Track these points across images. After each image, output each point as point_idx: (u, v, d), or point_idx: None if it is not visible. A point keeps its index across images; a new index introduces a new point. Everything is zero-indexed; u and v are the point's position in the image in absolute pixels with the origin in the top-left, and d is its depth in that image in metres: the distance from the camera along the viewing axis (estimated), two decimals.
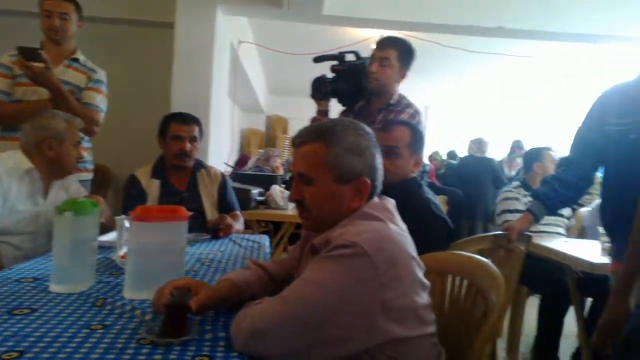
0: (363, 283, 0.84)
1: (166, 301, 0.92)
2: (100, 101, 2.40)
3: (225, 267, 1.51)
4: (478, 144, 5.67)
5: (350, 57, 2.12)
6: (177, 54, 3.31)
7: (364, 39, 4.78)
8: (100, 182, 3.15)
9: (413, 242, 1.01)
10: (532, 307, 2.76)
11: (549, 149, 3.27)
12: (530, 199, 2.95)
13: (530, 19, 3.65)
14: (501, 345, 2.63)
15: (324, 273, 0.86)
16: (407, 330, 0.87)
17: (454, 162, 6.41)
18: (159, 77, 3.43)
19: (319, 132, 1.01)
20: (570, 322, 2.51)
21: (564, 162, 1.90)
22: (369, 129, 1.06)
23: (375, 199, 1.04)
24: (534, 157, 3.13)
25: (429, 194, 1.72)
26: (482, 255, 1.16)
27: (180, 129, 2.18)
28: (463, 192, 4.92)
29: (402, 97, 2.10)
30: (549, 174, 3.00)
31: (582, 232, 3.16)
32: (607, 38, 3.77)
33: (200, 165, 2.33)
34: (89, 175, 2.52)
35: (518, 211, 2.92)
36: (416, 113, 2.05)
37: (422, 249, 1.23)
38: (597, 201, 2.89)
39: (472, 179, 5.07)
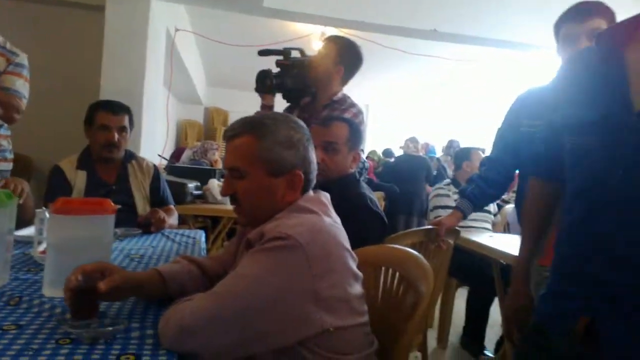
0: (296, 274, 0.85)
1: (72, 285, 0.88)
2: (21, 86, 2.21)
3: (156, 263, 1.45)
4: (414, 142, 5.90)
5: (295, 54, 2.12)
6: (107, 38, 3.12)
7: (305, 35, 4.79)
8: (21, 172, 2.90)
9: (349, 235, 1.03)
10: (461, 298, 2.91)
11: (478, 149, 3.46)
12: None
13: (463, 23, 3.83)
14: (432, 335, 2.75)
15: (256, 266, 0.86)
16: (339, 320, 0.88)
17: (390, 160, 6.62)
18: (88, 62, 3.22)
19: (250, 125, 1.01)
20: (496, 312, 2.67)
21: (486, 161, 2.03)
22: (302, 123, 1.06)
23: (310, 193, 1.05)
24: (463, 156, 3.30)
25: (366, 189, 1.76)
26: (414, 249, 1.20)
27: (107, 118, 2.06)
28: (399, 189, 5.08)
29: (346, 97, 2.14)
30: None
31: (507, 228, 3.38)
32: (528, 46, 4.04)
33: (131, 156, 2.22)
34: (8, 165, 2.32)
35: (449, 207, 3.06)
36: (359, 112, 2.08)
37: (357, 243, 1.26)
38: None
39: (407, 177, 5.25)
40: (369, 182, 4.73)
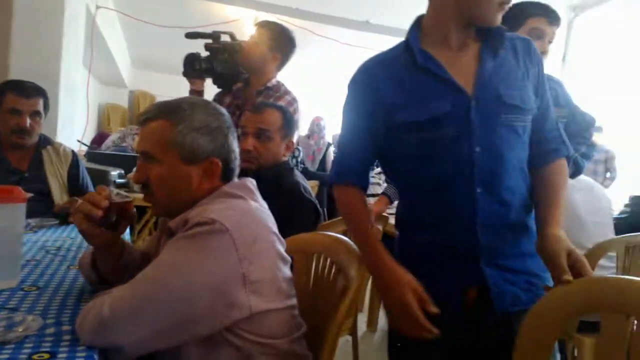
0: (223, 259, 0.83)
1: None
2: None
3: (75, 256, 1.36)
4: None
5: (225, 38, 2.06)
6: (16, 12, 2.84)
7: (236, 19, 4.67)
8: None
9: (282, 223, 1.03)
10: None
11: None
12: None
13: (395, 16, 3.93)
14: (362, 319, 2.84)
15: (180, 253, 0.84)
16: (267, 302, 0.89)
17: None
18: None
19: (165, 109, 0.97)
20: None
21: None
22: (223, 110, 1.03)
23: (235, 179, 1.03)
24: None
25: (299, 177, 1.76)
26: (345, 236, 1.23)
27: (18, 101, 1.88)
28: None
29: (281, 84, 2.11)
30: None
31: None
32: None
33: (46, 141, 2.05)
34: None
35: (378, 194, 3.17)
36: (294, 100, 2.07)
37: (291, 230, 1.27)
38: None
39: None
40: (305, 171, 4.75)
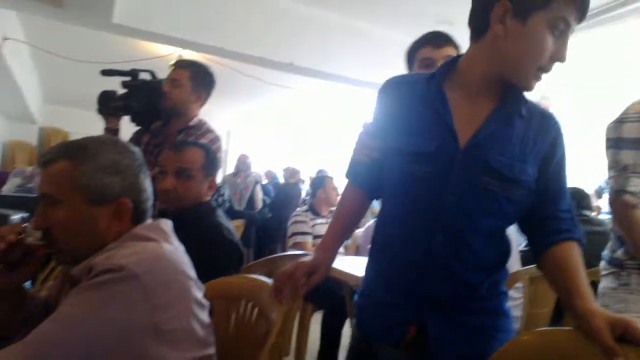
0: (132, 309, 0.78)
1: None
2: None
3: None
4: (289, 172, 6.06)
5: (145, 76, 2.01)
6: None
7: (163, 55, 4.59)
8: None
9: (203, 266, 0.99)
10: (317, 323, 2.98)
11: (332, 177, 3.66)
12: (317, 221, 3.25)
13: (319, 58, 4.07)
14: None
15: (83, 305, 0.77)
16: (183, 352, 0.83)
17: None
18: None
19: (68, 149, 0.91)
20: (347, 335, 2.79)
21: None
22: (134, 148, 0.99)
23: (149, 221, 0.98)
24: (318, 184, 3.46)
25: (222, 218, 1.72)
26: (270, 277, 1.20)
27: None
28: (276, 216, 5.13)
29: (203, 122, 2.09)
30: (331, 199, 3.35)
31: (357, 250, 3.60)
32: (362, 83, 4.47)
33: None
34: None
35: (306, 233, 3.16)
36: (216, 139, 2.05)
37: (211, 273, 1.22)
38: (370, 222, 3.34)
39: (283, 204, 5.35)
40: (230, 210, 4.65)
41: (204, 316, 0.93)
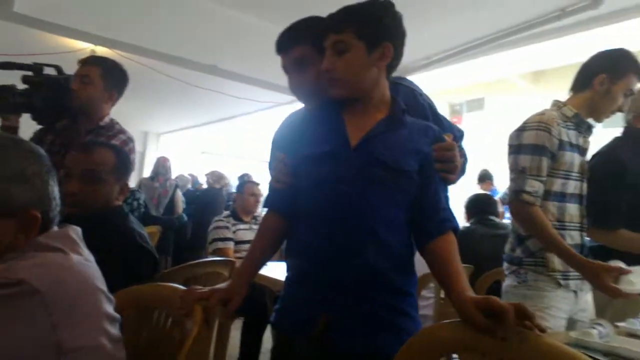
0: (30, 326, 0.70)
1: None
2: None
3: None
4: (214, 176, 5.84)
5: (50, 71, 1.86)
6: None
7: (73, 50, 4.27)
8: None
9: (114, 274, 0.93)
10: (237, 330, 2.92)
11: (255, 183, 3.63)
12: (239, 227, 3.20)
13: (243, 61, 4.02)
14: None
15: None
16: None
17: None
18: None
19: None
20: (268, 340, 2.76)
21: None
22: (40, 151, 0.89)
23: (55, 228, 0.90)
24: (237, 189, 3.44)
25: (134, 224, 1.63)
26: (187, 284, 1.16)
27: None
28: (200, 222, 4.95)
29: (115, 122, 1.97)
30: (248, 205, 3.34)
31: (281, 255, 3.59)
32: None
33: None
34: None
35: (227, 239, 3.10)
36: (130, 140, 1.94)
37: (123, 282, 1.15)
38: None
39: (207, 209, 5.16)
40: (146, 215, 4.42)
41: (115, 330, 0.87)
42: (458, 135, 1.27)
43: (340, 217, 1.03)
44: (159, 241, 3.94)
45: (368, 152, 1.05)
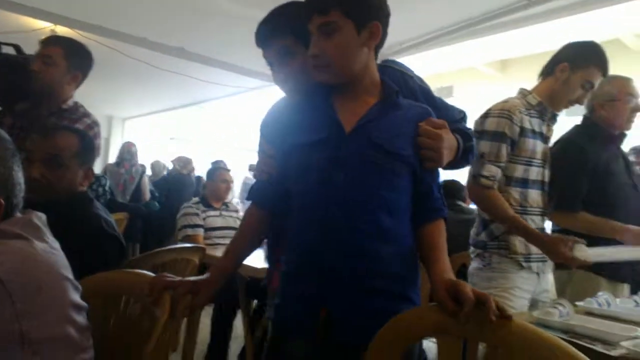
0: None
1: None
2: None
3: None
4: (181, 162, 5.69)
5: (8, 50, 1.77)
6: None
7: (33, 29, 4.06)
8: None
9: (80, 261, 0.91)
10: (207, 317, 2.90)
11: (226, 169, 3.58)
12: (208, 213, 3.16)
13: (211, 44, 3.91)
14: (176, 358, 2.65)
15: None
16: None
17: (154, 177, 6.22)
18: None
19: None
20: (239, 326, 2.76)
21: None
22: (4, 134, 0.85)
23: (17, 214, 0.86)
24: (208, 175, 3.38)
25: (100, 210, 1.59)
26: (156, 270, 1.14)
27: None
28: (167, 208, 4.84)
29: (79, 106, 1.90)
30: (219, 192, 3.31)
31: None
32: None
33: None
34: None
35: (197, 226, 3.06)
36: (94, 124, 1.88)
37: (90, 270, 1.12)
38: None
39: (174, 196, 5.04)
40: (112, 202, 4.31)
41: (81, 319, 0.85)
42: (458, 117, 1.23)
43: (338, 204, 0.99)
44: (126, 228, 3.85)
45: (363, 136, 1.02)
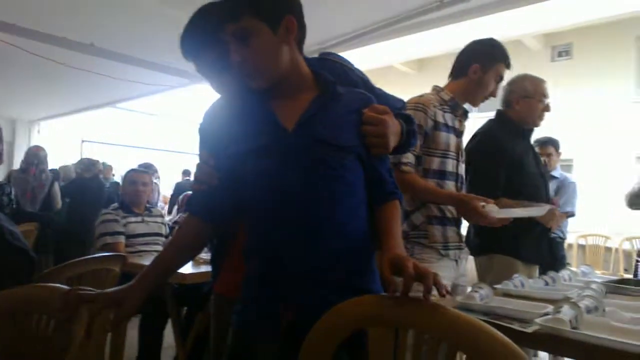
0: None
1: None
2: None
3: None
4: (82, 165, 5.19)
5: None
6: None
7: None
8: None
9: None
10: (134, 329, 2.75)
11: (140, 170, 3.41)
12: (130, 220, 2.98)
13: (121, 40, 3.67)
14: None
15: None
16: None
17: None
18: None
19: None
20: (169, 335, 2.65)
21: None
22: None
23: None
24: (124, 179, 3.24)
25: (4, 220, 1.44)
26: (70, 283, 1.05)
27: None
28: (77, 216, 4.44)
29: None
30: (137, 194, 3.18)
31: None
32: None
33: None
34: None
35: (117, 233, 2.87)
36: None
37: None
38: None
39: (81, 202, 4.63)
40: (18, 211, 3.93)
41: None
42: (398, 106, 1.24)
43: (290, 205, 0.99)
44: (37, 239, 3.54)
45: (306, 135, 1.01)
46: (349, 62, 1.28)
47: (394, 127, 1.08)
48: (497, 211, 1.60)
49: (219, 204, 1.08)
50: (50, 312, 0.99)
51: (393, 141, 1.08)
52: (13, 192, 3.83)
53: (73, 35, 3.56)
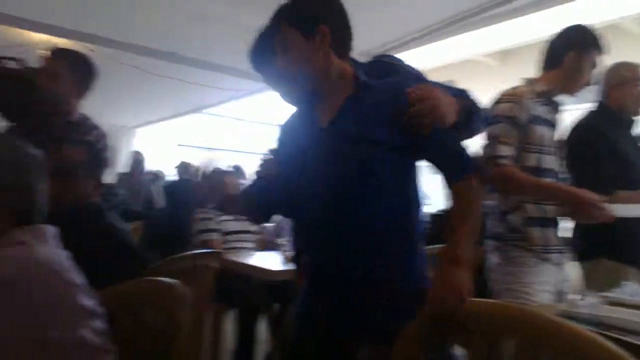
0: (5, 318, 0.71)
1: None
2: None
3: None
4: (182, 167, 5.64)
5: (10, 65, 1.76)
6: None
7: (22, 45, 4.04)
8: None
9: (95, 273, 0.92)
10: (230, 323, 2.88)
11: (230, 172, 3.55)
12: (223, 218, 3.14)
13: (205, 47, 3.83)
14: None
15: None
16: None
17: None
18: None
19: None
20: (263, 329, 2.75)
21: None
22: (31, 146, 0.91)
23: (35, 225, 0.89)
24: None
25: (114, 219, 1.58)
26: (180, 276, 1.14)
27: None
28: (176, 215, 4.82)
29: (87, 118, 1.91)
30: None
31: (266, 245, 3.56)
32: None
33: None
34: None
35: (213, 230, 3.04)
36: (102, 136, 1.89)
37: (108, 280, 1.11)
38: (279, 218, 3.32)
39: (181, 202, 5.02)
40: (126, 211, 4.32)
41: (98, 323, 0.87)
42: (458, 92, 1.21)
43: (321, 202, 1.07)
44: (142, 237, 3.86)
45: (336, 130, 1.08)
46: (400, 60, 1.30)
47: (446, 100, 1.07)
48: (620, 209, 1.48)
49: (275, 200, 1.20)
50: (158, 304, 1.07)
51: (448, 113, 1.06)
52: (121, 194, 4.21)
53: (158, 44, 3.81)
